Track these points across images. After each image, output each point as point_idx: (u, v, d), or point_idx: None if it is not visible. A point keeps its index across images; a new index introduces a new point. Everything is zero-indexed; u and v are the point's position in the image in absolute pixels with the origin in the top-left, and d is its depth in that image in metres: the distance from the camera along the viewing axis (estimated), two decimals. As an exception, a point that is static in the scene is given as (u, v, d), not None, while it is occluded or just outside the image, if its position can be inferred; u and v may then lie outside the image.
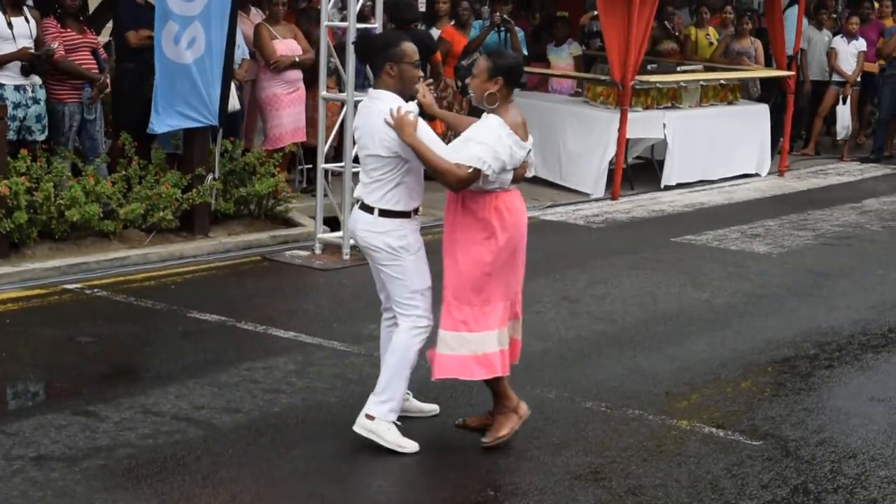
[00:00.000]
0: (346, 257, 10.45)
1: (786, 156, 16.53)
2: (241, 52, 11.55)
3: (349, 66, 10.39)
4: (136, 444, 6.31)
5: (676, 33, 16.98)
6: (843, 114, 17.62)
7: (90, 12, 11.67)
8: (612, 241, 11.84)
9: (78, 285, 9.25)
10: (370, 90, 6.46)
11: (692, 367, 8.08)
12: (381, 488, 6.06)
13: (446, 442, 6.50)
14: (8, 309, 8.64)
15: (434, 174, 6.26)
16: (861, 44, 17.61)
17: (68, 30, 10.42)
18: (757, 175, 15.97)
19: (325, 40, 10.60)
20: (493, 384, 6.56)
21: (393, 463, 6.29)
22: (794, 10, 16.68)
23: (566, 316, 8.92)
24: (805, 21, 17.10)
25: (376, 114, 6.27)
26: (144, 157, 10.62)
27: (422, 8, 14.04)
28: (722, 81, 15.46)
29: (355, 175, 10.52)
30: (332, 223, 11.02)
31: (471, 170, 6.19)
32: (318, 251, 10.64)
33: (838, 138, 18.01)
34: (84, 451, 6.19)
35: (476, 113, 7.11)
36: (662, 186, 14.63)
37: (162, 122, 10.28)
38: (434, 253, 6.54)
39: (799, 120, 17.83)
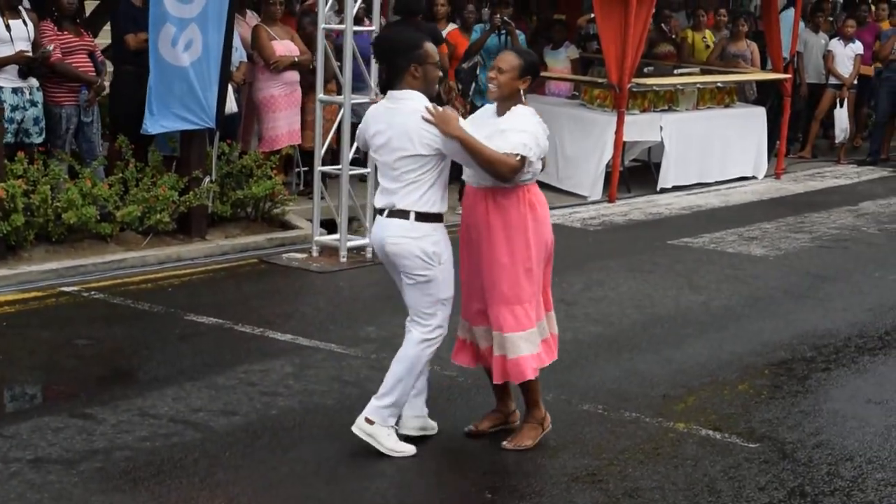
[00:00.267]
0: (344, 260, 10.45)
1: (782, 158, 16.55)
2: (239, 54, 11.55)
3: (346, 68, 10.39)
4: (134, 447, 6.31)
5: (673, 36, 16.99)
6: (841, 117, 17.63)
7: (87, 15, 11.65)
8: (609, 243, 11.85)
9: (75, 288, 9.25)
10: (392, 92, 6.26)
11: (689, 369, 8.08)
12: (379, 491, 6.05)
13: (444, 444, 6.50)
14: (5, 311, 8.64)
15: (484, 166, 6.15)
16: (857, 47, 17.63)
17: (65, 33, 10.42)
18: (754, 178, 15.98)
19: (321, 42, 10.60)
20: (531, 388, 6.52)
21: (390, 465, 6.29)
22: (790, 12, 16.69)
23: (563, 318, 8.90)
24: (801, 24, 17.11)
25: (409, 113, 6.14)
26: (141, 160, 10.62)
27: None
28: (719, 84, 15.48)
29: (352, 178, 10.60)
30: (329, 226, 11.02)
31: (518, 158, 6.16)
32: (315, 254, 10.64)
33: (835, 141, 18.02)
34: (81, 453, 6.19)
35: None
36: (659, 189, 14.64)
37: (156, 123, 10.27)
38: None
39: (796, 123, 17.85)
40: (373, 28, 10.81)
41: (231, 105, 11.03)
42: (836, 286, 10.54)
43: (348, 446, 6.43)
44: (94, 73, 10.60)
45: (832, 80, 17.73)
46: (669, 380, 7.83)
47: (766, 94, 16.69)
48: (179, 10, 10.14)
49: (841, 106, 17.62)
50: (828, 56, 17.69)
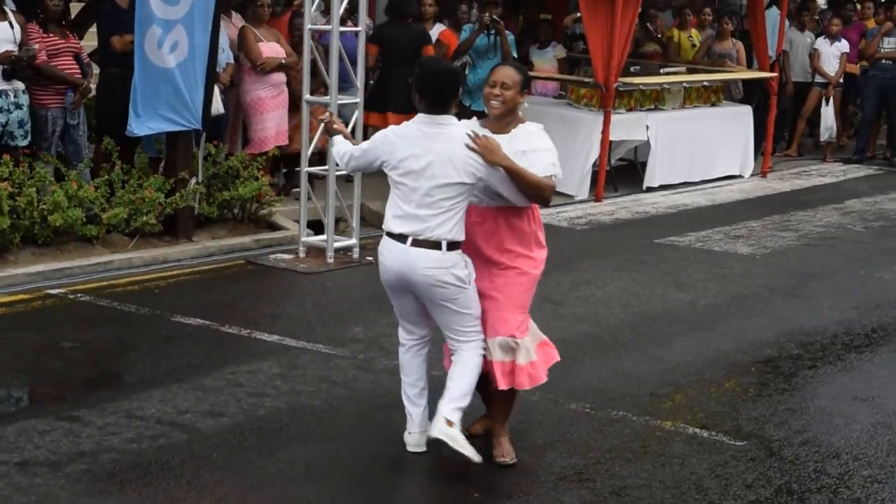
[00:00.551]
0: (331, 260, 10.45)
1: (769, 157, 16.58)
2: (226, 56, 11.53)
3: (332, 69, 10.39)
4: (120, 449, 6.30)
5: (659, 35, 17.01)
6: (827, 115, 17.67)
7: (72, 17, 11.63)
8: (596, 242, 11.86)
9: (61, 290, 9.23)
10: (432, 116, 6.08)
11: (676, 367, 8.10)
12: (367, 491, 6.05)
13: (431, 445, 6.49)
14: (-9, 314, 8.64)
15: (528, 191, 6.09)
16: (843, 45, 17.66)
17: (51, 35, 10.40)
18: (740, 176, 16.00)
19: (308, 44, 10.59)
20: (513, 396, 6.51)
21: (377, 467, 6.30)
22: (774, 10, 16.68)
23: (550, 317, 8.92)
24: (787, 22, 17.14)
25: (453, 140, 6.02)
26: (128, 162, 10.61)
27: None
28: (705, 83, 15.50)
29: (339, 178, 10.59)
30: (316, 226, 11.02)
31: (552, 179, 6.17)
32: (302, 254, 10.63)
33: (821, 139, 18.05)
34: (68, 455, 6.18)
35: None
36: (646, 188, 14.66)
37: (142, 125, 10.26)
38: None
39: (782, 121, 17.87)
40: (359, 29, 10.80)
41: (217, 106, 11.01)
42: (823, 284, 10.57)
43: (335, 447, 6.44)
44: (79, 76, 10.58)
45: (818, 79, 17.76)
46: (656, 378, 7.85)
47: (752, 93, 16.72)
48: (165, 11, 10.12)
49: (827, 104, 17.66)
50: (814, 54, 17.72)
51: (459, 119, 6.24)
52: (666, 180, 14.87)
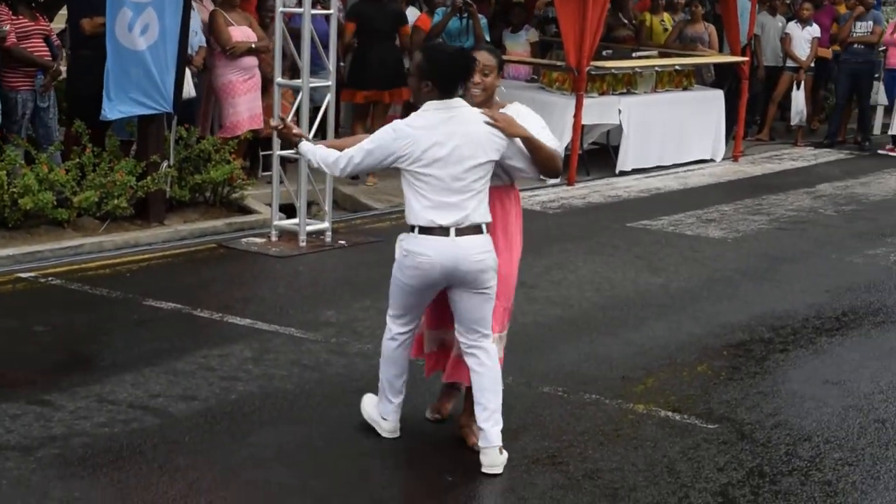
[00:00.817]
0: (303, 244, 10.43)
1: (740, 141, 16.61)
2: (199, 39, 11.49)
3: (304, 52, 10.35)
4: (92, 433, 6.28)
5: (631, 19, 17.00)
6: (798, 99, 17.72)
7: (42, -1, 11.57)
8: (569, 226, 11.87)
9: (32, 274, 9.18)
10: (446, 101, 5.94)
11: (648, 351, 8.12)
12: (339, 475, 6.05)
13: (405, 430, 6.48)
14: (-39, 298, 8.59)
15: (546, 161, 6.13)
16: (815, 29, 17.71)
17: (21, 17, 10.33)
18: (712, 160, 16.02)
19: (279, 26, 10.55)
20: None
21: (349, 450, 6.29)
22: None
23: (523, 301, 8.92)
24: (758, 7, 17.16)
25: (473, 120, 5.95)
26: (99, 145, 10.55)
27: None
28: (677, 67, 15.52)
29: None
30: (288, 210, 10.99)
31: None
32: (274, 238, 10.60)
33: (792, 124, 18.11)
34: (39, 440, 6.16)
35: None
36: (618, 172, 14.67)
37: (114, 109, 10.20)
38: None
39: (753, 105, 17.91)
40: (331, 12, 10.77)
41: (189, 89, 10.96)
42: (794, 268, 10.61)
43: (307, 430, 6.43)
44: (49, 58, 10.51)
45: (789, 63, 17.80)
46: (629, 362, 7.87)
47: (723, 77, 16.74)
48: (136, -7, 10.08)
49: (798, 88, 17.71)
50: (785, 39, 17.76)
51: None
52: (638, 164, 14.88)
